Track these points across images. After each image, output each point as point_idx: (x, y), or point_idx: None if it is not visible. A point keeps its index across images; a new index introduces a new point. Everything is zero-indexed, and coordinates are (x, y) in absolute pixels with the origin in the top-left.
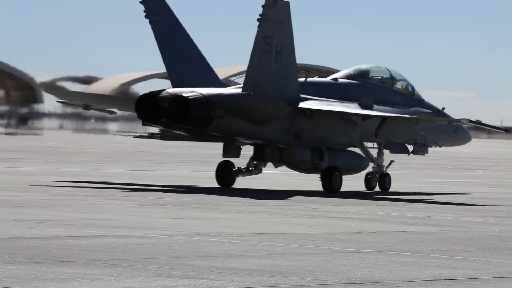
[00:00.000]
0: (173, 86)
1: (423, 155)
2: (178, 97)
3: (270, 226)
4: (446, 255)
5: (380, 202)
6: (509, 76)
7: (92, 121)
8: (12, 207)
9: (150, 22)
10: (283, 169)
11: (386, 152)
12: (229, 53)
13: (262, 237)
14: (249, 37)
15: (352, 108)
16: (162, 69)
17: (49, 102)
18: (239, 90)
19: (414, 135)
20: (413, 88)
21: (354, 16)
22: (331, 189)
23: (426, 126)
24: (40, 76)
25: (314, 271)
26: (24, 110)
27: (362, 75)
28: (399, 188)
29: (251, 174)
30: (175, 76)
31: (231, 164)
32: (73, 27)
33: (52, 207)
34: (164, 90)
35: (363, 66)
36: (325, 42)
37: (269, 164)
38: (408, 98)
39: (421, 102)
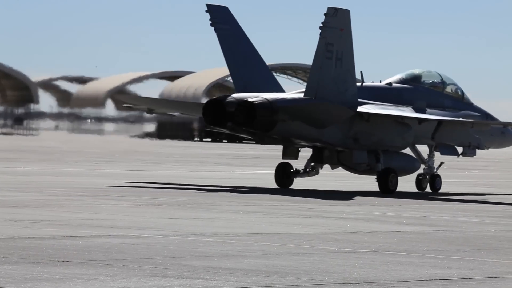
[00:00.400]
0: (237, 91)
1: (472, 156)
2: (244, 102)
3: (266, 226)
4: (442, 255)
5: (376, 202)
6: (507, 77)
7: (88, 121)
8: (8, 207)
9: (215, 30)
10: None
11: (437, 154)
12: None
13: (258, 237)
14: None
15: (407, 111)
16: (158, 69)
17: (45, 102)
18: (301, 95)
19: (468, 137)
20: (462, 92)
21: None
22: (387, 190)
23: (479, 129)
24: (36, 76)
25: (309, 271)
26: (20, 110)
27: (414, 80)
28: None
29: (308, 176)
30: (239, 81)
31: (289, 166)
32: (69, 27)
33: (48, 207)
34: (230, 95)
35: (416, 71)
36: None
37: (269, 164)
38: (458, 101)
39: (470, 106)
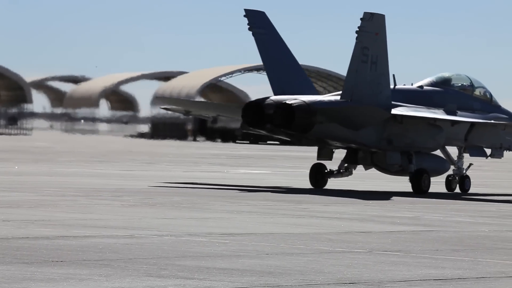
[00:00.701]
0: (274, 94)
1: (500, 158)
2: (282, 104)
3: (260, 226)
4: (436, 255)
5: (370, 202)
6: (508, 76)
7: (82, 121)
8: (1, 207)
9: (253, 34)
10: (274, 169)
11: (466, 155)
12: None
13: (252, 237)
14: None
15: (439, 114)
16: (151, 69)
17: (38, 102)
18: (337, 98)
19: (500, 139)
20: (490, 95)
21: (352, 16)
22: (420, 190)
23: (510, 131)
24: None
25: (303, 271)
26: (13, 110)
27: (444, 83)
28: (394, 188)
29: (342, 176)
30: (276, 84)
31: (323, 167)
32: (62, 28)
33: (41, 207)
34: (268, 97)
35: (445, 74)
36: (322, 43)
37: (263, 164)
38: (487, 104)
39: (498, 108)
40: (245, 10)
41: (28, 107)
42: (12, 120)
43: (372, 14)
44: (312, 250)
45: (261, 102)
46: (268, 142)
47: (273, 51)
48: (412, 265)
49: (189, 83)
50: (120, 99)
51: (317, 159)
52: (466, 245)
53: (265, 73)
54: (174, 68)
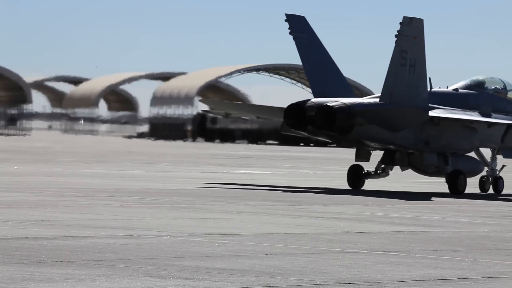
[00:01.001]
0: (314, 96)
1: None
2: (323, 107)
3: (259, 226)
4: (435, 255)
5: (369, 202)
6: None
7: (81, 121)
8: (0, 208)
9: (293, 38)
10: (273, 169)
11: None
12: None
13: (251, 237)
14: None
15: (475, 116)
16: (150, 70)
17: (38, 103)
18: (376, 100)
19: None
20: None
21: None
22: (456, 191)
23: None
24: (29, 76)
25: (303, 271)
26: (13, 111)
27: (478, 86)
28: (392, 188)
29: (379, 177)
30: (316, 86)
31: (360, 168)
32: (62, 28)
33: (41, 208)
34: (309, 100)
35: (479, 77)
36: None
37: (262, 165)
38: None
39: None
40: (286, 15)
41: (27, 107)
42: (12, 121)
43: (411, 18)
44: (311, 250)
45: (302, 104)
46: (267, 142)
47: (313, 54)
48: (411, 266)
49: (189, 83)
50: (119, 99)
51: (355, 160)
52: (466, 246)
53: (265, 74)
54: (173, 69)
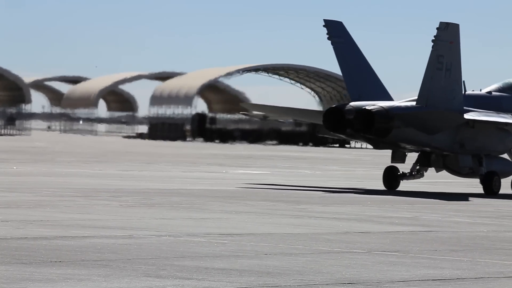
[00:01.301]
0: (352, 100)
1: None
2: (362, 110)
3: (259, 226)
4: (434, 255)
5: (368, 202)
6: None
7: (80, 122)
8: (0, 208)
9: (331, 43)
10: (272, 169)
11: None
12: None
13: (251, 237)
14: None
15: (508, 118)
16: (150, 69)
17: (37, 102)
18: (413, 103)
19: None
20: None
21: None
22: (491, 191)
23: None
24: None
25: (302, 271)
26: (12, 110)
27: (511, 89)
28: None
29: (414, 178)
30: (353, 90)
31: (396, 169)
32: (61, 28)
33: (40, 208)
34: (348, 103)
35: (511, 80)
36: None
37: (261, 165)
38: None
39: None
40: (324, 20)
41: (26, 107)
42: (11, 121)
43: (447, 23)
44: (310, 250)
45: (341, 107)
46: (266, 142)
47: (350, 59)
48: (410, 266)
49: (188, 83)
50: (118, 99)
51: (391, 162)
52: (465, 246)
53: (264, 74)
54: (173, 69)
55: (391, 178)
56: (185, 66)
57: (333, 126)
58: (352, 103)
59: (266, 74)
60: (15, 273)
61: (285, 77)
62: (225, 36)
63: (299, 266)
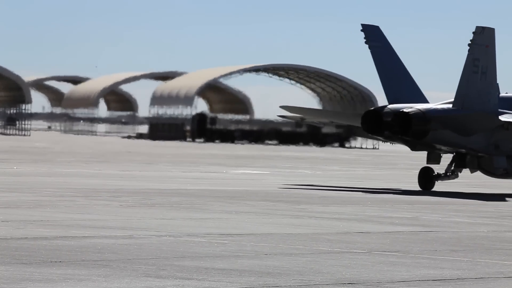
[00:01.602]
0: (389, 102)
1: None
2: (400, 113)
3: (259, 226)
4: (434, 255)
5: (368, 202)
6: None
7: (81, 122)
8: (0, 208)
9: (369, 47)
10: (272, 169)
11: None
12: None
13: (251, 237)
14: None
15: None
16: (150, 69)
17: (37, 103)
18: (449, 106)
19: None
20: None
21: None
22: None
23: None
24: (28, 76)
25: (302, 271)
26: (12, 110)
27: None
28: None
29: (449, 179)
30: (390, 93)
31: (431, 170)
32: (61, 27)
33: (40, 208)
34: (386, 106)
35: None
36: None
37: (261, 165)
38: None
39: None
40: (362, 25)
41: (26, 107)
42: (11, 121)
43: (483, 28)
44: (310, 250)
45: (379, 110)
46: (266, 142)
47: (387, 62)
48: (411, 266)
49: (188, 83)
50: (119, 99)
51: (426, 163)
52: (465, 246)
53: (264, 74)
54: (173, 69)
55: (426, 178)
56: (185, 66)
57: (371, 128)
58: (390, 106)
59: (266, 74)
60: (15, 273)
61: (285, 77)
62: (225, 36)
63: (299, 266)
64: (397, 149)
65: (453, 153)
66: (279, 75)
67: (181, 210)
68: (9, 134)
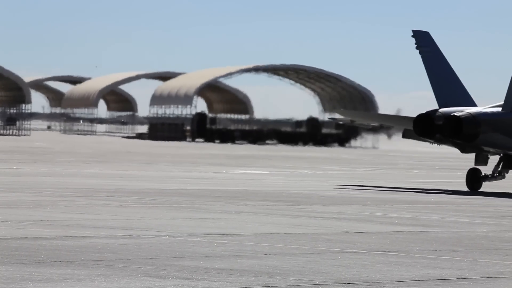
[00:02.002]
0: (439, 106)
1: None
2: (451, 117)
3: (259, 226)
4: (434, 255)
5: (368, 202)
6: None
7: (80, 122)
8: (0, 208)
9: (420, 53)
10: (272, 169)
11: None
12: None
13: (251, 237)
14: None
15: None
16: (150, 69)
17: (37, 102)
18: (498, 109)
19: None
20: None
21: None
22: None
23: None
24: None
25: (302, 271)
26: (12, 111)
27: None
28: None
29: (495, 180)
30: (440, 97)
31: (478, 171)
32: (61, 27)
33: (40, 208)
34: (437, 110)
35: None
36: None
37: (261, 165)
38: None
39: None
40: (413, 31)
41: (26, 107)
42: (11, 121)
43: None
44: (310, 250)
45: (431, 114)
46: (266, 142)
47: (437, 67)
48: (410, 266)
49: (188, 83)
50: (118, 99)
51: (474, 164)
52: (465, 246)
53: (264, 74)
54: (173, 69)
55: (474, 179)
56: (185, 66)
57: (423, 131)
58: (441, 110)
59: (266, 74)
60: (15, 273)
61: (285, 77)
62: (225, 36)
63: (299, 266)
64: (397, 149)
65: (500, 155)
66: (279, 75)
67: (181, 210)
68: (9, 134)
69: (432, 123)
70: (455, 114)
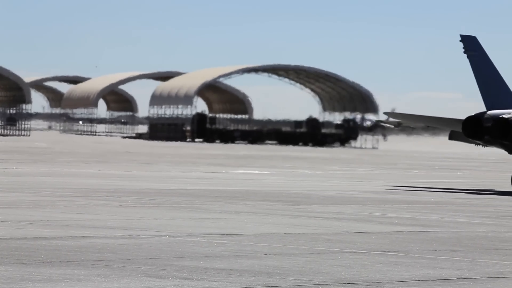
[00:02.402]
0: (487, 109)
1: None
2: (499, 119)
3: (258, 226)
4: (434, 255)
5: (368, 202)
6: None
7: (80, 122)
8: (0, 208)
9: (467, 57)
10: (272, 169)
11: None
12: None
13: (250, 237)
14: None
15: None
16: (150, 69)
17: (37, 103)
18: None
19: None
20: None
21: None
22: None
23: None
24: (28, 76)
25: (302, 271)
26: (12, 111)
27: None
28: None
29: None
30: (487, 99)
31: None
32: (61, 28)
33: (40, 208)
34: (485, 112)
35: None
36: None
37: (261, 165)
38: None
39: None
40: (461, 35)
41: (27, 107)
42: (11, 121)
43: None
44: (310, 250)
45: (480, 116)
46: (266, 142)
47: (485, 71)
48: (410, 266)
49: (188, 83)
50: (118, 99)
51: None
52: (465, 246)
53: (264, 74)
54: (173, 69)
55: None
56: (185, 66)
57: (471, 133)
58: (490, 112)
59: (266, 74)
60: (14, 273)
61: (285, 77)
62: (225, 36)
63: (299, 266)
64: (397, 149)
65: None
66: (279, 75)
67: (180, 210)
68: (9, 134)
69: (481, 125)
70: (504, 116)
